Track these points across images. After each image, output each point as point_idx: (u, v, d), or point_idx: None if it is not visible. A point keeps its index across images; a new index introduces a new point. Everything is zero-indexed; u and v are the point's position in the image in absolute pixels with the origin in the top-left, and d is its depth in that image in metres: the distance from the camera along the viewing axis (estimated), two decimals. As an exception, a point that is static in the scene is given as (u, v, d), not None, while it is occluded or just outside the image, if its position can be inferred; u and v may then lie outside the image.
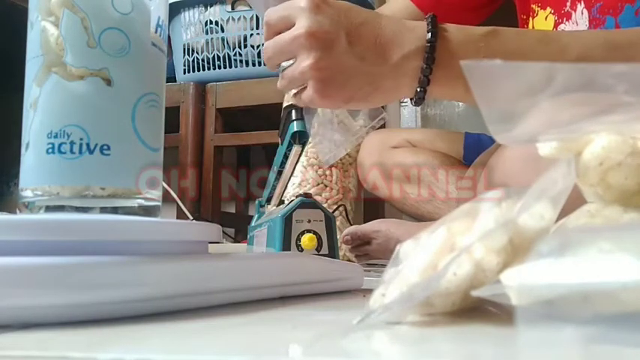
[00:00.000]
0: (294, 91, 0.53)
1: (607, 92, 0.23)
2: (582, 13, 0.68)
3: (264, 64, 0.54)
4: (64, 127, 0.35)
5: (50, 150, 0.35)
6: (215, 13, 1.41)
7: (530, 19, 0.77)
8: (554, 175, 0.26)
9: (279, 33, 0.50)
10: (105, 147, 0.36)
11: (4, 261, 0.26)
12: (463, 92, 0.49)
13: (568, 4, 0.70)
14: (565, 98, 0.25)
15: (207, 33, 1.43)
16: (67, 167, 0.35)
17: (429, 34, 0.47)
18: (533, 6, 0.76)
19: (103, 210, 0.36)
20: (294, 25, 0.48)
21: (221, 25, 1.41)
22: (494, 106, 0.25)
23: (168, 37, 1.45)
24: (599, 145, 0.27)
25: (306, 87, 0.50)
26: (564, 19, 0.71)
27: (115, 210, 0.37)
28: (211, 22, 1.42)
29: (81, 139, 0.35)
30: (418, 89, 0.48)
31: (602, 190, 0.28)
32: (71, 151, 0.35)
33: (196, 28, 1.44)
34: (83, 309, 0.28)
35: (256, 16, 1.37)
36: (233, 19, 1.40)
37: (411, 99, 0.51)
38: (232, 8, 1.39)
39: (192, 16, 1.44)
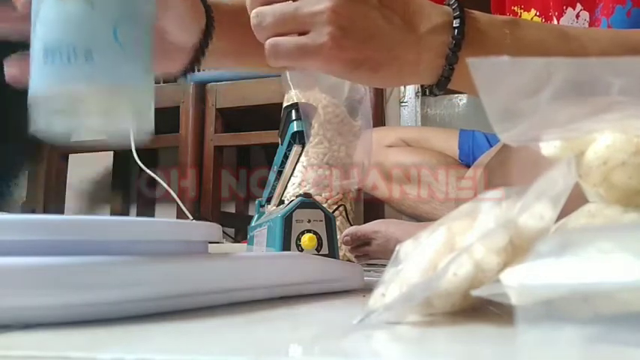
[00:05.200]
0: (293, 91, 0.48)
1: (606, 89, 0.23)
2: (579, 16, 0.68)
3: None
4: (57, 43, 0.33)
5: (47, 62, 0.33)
6: (215, 13, 1.41)
7: None
8: (554, 175, 0.26)
9: None
10: (89, 57, 0.33)
11: (4, 261, 0.26)
12: None
13: (550, 8, 0.70)
14: (565, 100, 0.25)
15: (207, 33, 1.43)
16: (63, 74, 0.33)
17: (456, 7, 0.44)
18: (515, 8, 0.75)
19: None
20: None
21: (221, 25, 1.41)
22: (499, 105, 0.25)
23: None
24: (604, 144, 0.27)
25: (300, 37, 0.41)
26: (549, 22, 0.71)
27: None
28: (211, 22, 1.42)
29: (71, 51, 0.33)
30: (445, 67, 0.43)
31: (604, 189, 0.28)
32: (64, 60, 0.33)
33: (196, 28, 1.44)
34: (83, 309, 0.28)
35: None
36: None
37: (428, 87, 0.45)
38: (232, 8, 1.39)
39: (192, 16, 1.44)
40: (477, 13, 0.44)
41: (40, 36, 0.34)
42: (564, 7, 0.69)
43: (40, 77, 0.33)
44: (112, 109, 0.35)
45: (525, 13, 0.74)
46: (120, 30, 0.34)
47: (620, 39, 0.49)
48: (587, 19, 0.67)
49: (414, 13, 0.43)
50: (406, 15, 0.42)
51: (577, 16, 0.68)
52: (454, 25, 0.42)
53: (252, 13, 0.42)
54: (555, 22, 0.70)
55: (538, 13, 0.72)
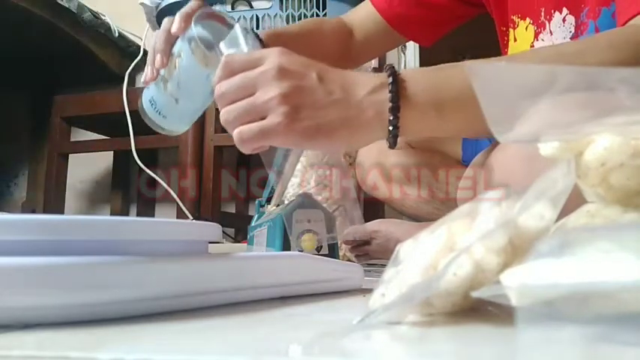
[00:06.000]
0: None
1: (609, 94, 0.23)
2: (565, 20, 0.68)
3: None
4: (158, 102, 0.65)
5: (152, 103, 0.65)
6: (215, 13, 1.41)
7: (511, 30, 0.77)
8: (554, 175, 0.26)
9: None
10: (164, 115, 0.65)
11: (4, 261, 0.26)
12: (436, 122, 0.49)
13: (542, 14, 0.71)
14: (567, 99, 0.25)
15: (207, 33, 1.43)
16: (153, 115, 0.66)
17: (388, 69, 0.50)
18: (514, 17, 0.77)
19: None
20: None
21: (221, 25, 1.41)
22: (498, 107, 0.25)
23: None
24: (602, 146, 0.27)
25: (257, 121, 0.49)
26: (542, 29, 0.71)
27: None
28: (211, 22, 1.42)
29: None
30: (391, 117, 0.48)
31: (603, 190, 0.28)
32: (156, 110, 0.65)
33: (196, 28, 1.44)
34: (83, 309, 0.28)
35: (256, 15, 1.36)
36: (233, 19, 1.40)
37: (387, 141, 0.50)
38: (232, 8, 1.39)
39: (192, 16, 1.44)
40: (407, 70, 0.52)
41: (153, 91, 0.64)
42: (553, 12, 0.70)
43: (146, 103, 0.65)
44: (164, 130, 0.66)
45: (521, 21, 0.75)
46: (183, 111, 0.64)
47: (555, 49, 0.54)
48: (573, 22, 0.68)
49: (350, 83, 0.50)
50: (344, 86, 0.49)
51: (563, 20, 0.69)
52: (389, 82, 0.49)
53: (221, 113, 0.51)
54: (548, 27, 0.71)
55: (532, 22, 0.73)
